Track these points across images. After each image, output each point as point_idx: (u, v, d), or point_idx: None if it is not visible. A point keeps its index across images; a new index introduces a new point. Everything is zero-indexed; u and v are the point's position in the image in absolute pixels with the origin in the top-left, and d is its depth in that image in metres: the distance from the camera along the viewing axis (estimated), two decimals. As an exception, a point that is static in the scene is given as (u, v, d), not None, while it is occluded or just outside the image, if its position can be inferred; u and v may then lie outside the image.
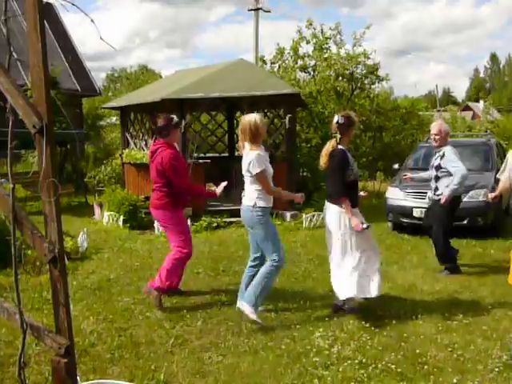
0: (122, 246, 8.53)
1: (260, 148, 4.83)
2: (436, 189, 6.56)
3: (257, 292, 4.84)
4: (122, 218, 10.11)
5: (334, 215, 5.02)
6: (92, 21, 2.00)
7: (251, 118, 4.81)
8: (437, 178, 6.54)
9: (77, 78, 19.23)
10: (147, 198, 10.52)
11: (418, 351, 4.22)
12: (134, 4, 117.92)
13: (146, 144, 11.57)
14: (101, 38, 2.03)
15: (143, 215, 10.29)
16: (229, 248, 8.20)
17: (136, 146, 11.79)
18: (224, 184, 5.81)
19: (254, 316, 4.82)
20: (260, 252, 5.10)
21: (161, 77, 34.72)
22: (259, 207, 4.83)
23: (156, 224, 9.65)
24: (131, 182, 11.72)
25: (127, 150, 11.79)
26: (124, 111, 12.40)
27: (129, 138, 12.08)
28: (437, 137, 6.53)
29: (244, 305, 4.90)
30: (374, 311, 5.19)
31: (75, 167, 15.46)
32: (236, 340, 4.52)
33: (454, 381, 3.74)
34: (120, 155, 12.52)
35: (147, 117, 12.11)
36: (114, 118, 23.37)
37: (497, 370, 3.89)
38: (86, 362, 4.10)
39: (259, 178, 4.76)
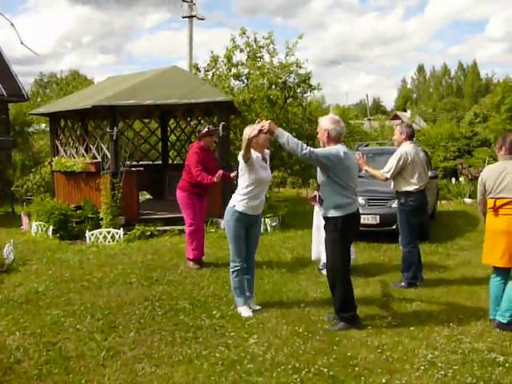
0: (52, 256, 8.25)
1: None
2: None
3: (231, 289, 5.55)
4: (51, 228, 9.79)
5: None
6: (12, 25, 1.94)
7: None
8: None
9: (2, 82, 18.46)
10: (78, 207, 10.29)
11: (349, 354, 4.33)
12: (66, 7, 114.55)
13: (76, 152, 11.27)
14: (21, 43, 1.98)
15: (74, 225, 10.01)
16: (163, 257, 8.11)
17: (66, 154, 11.45)
18: (221, 172, 6.85)
19: (241, 310, 5.37)
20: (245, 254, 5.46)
21: (93, 83, 33.95)
22: (236, 211, 5.23)
23: (88, 234, 9.42)
24: (61, 191, 11.37)
25: (57, 158, 11.43)
26: (53, 118, 12.02)
27: (59, 145, 11.71)
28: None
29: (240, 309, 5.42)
30: (307, 316, 5.28)
31: (1, 175, 14.83)
32: (170, 350, 4.47)
33: (383, 381, 3.86)
34: (49, 163, 12.11)
35: (78, 124, 11.81)
36: (44, 125, 22.60)
37: (422, 368, 4.05)
38: (10, 381, 3.94)
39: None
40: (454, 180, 16.73)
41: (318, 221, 6.74)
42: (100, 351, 4.44)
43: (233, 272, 5.43)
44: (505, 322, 4.86)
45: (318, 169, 4.94)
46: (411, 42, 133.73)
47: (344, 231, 4.86)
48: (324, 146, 4.96)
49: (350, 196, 4.88)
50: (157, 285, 6.55)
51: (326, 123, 4.93)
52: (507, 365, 4.10)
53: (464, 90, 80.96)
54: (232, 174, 6.89)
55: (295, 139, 4.67)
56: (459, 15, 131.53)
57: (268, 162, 5.47)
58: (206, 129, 7.45)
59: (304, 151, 4.60)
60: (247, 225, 5.34)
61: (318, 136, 5.11)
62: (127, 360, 4.28)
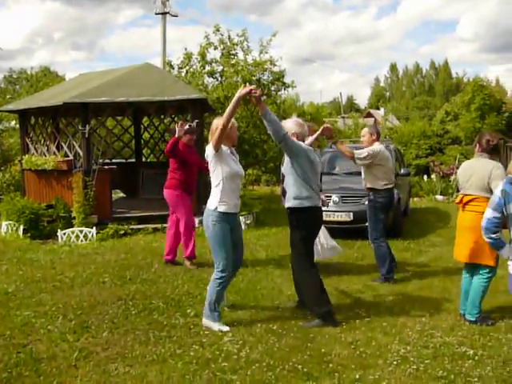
0: (23, 256, 8.10)
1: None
2: None
3: (209, 305, 4.97)
4: (22, 227, 9.61)
5: None
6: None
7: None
8: None
9: (-30, 78, 18.07)
10: (49, 206, 10.13)
11: (323, 350, 4.35)
12: (36, 2, 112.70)
13: (47, 150, 11.09)
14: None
15: (45, 224, 9.86)
16: (136, 256, 8.04)
17: (37, 152, 11.25)
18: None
19: (215, 327, 4.87)
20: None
21: (64, 80, 33.46)
22: (218, 212, 4.86)
23: (59, 233, 9.28)
24: (32, 190, 11.18)
25: (27, 156, 11.23)
26: (23, 115, 11.79)
27: (29, 143, 11.51)
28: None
29: (203, 320, 5.00)
30: (281, 314, 5.29)
31: (-31, 174, 14.51)
32: (143, 349, 4.44)
33: (357, 376, 3.89)
34: (19, 161, 11.89)
35: (49, 121, 11.62)
36: (13, 122, 22.18)
37: (395, 363, 4.10)
38: (-20, 383, 3.86)
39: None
40: (425, 177, 16.96)
41: None
42: (72, 352, 4.38)
43: (220, 284, 4.91)
44: (473, 319, 4.96)
45: (286, 159, 5.10)
46: (384, 41, 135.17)
47: (306, 225, 5.02)
48: None
49: (312, 190, 5.00)
50: (130, 284, 6.49)
51: (292, 126, 5.10)
52: (476, 358, 4.18)
53: (436, 88, 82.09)
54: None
55: (279, 123, 4.86)
56: (430, 15, 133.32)
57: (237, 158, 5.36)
58: (188, 126, 7.41)
59: (283, 131, 4.81)
60: (231, 226, 4.95)
61: None
62: (100, 360, 4.23)
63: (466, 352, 4.29)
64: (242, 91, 4.66)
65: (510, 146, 18.49)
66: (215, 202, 4.86)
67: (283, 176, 5.52)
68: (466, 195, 4.97)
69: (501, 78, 64.33)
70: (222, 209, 4.83)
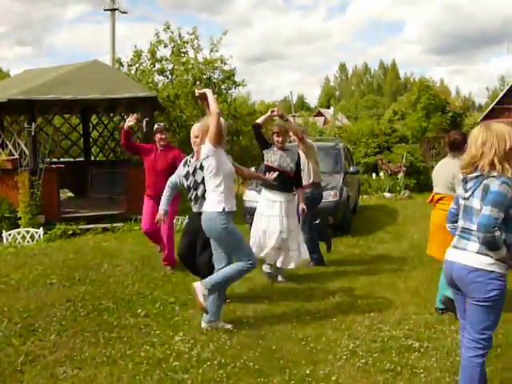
0: (-35, 259, 7.81)
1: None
2: None
3: (218, 280, 4.74)
4: (-37, 228, 9.26)
5: None
6: None
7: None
8: None
9: None
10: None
11: (274, 347, 4.40)
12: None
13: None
14: None
15: (-12, 224, 9.53)
16: (85, 256, 7.88)
17: (-21, 150, 10.86)
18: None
19: (202, 301, 4.68)
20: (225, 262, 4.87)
21: (9, 75, 32.41)
22: (225, 213, 4.69)
23: (4, 234, 9.00)
24: (-26, 189, 10.77)
25: (-31, 155, 10.82)
26: (-36, 112, 11.36)
27: (-30, 141, 11.09)
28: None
29: (198, 284, 4.75)
30: (233, 312, 5.31)
31: None
32: (93, 351, 4.36)
33: (308, 372, 3.95)
34: (-39, 160, 11.44)
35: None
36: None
37: (345, 357, 4.19)
38: None
39: None
40: (374, 175, 17.30)
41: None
42: (18, 356, 4.26)
43: (243, 272, 4.85)
44: (440, 307, 5.18)
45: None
46: (334, 41, 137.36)
47: None
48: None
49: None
50: (79, 285, 6.36)
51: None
52: (422, 350, 4.32)
53: (384, 88, 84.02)
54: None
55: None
56: (379, 17, 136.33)
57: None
58: (157, 125, 7.23)
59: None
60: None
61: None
62: (47, 364, 4.14)
63: (412, 345, 4.42)
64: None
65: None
66: (221, 203, 4.68)
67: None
68: (436, 194, 5.31)
69: (445, 79, 66.58)
70: (228, 208, 4.70)
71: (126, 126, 7.00)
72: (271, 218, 6.33)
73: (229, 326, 4.81)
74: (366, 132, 19.61)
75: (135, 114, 7.26)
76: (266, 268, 6.53)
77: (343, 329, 4.83)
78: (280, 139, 6.48)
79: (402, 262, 7.51)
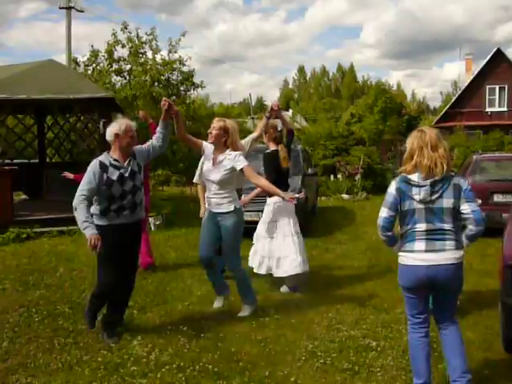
0: None
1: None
2: None
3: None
4: None
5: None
6: None
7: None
8: None
9: None
10: None
11: (233, 349, 4.39)
12: None
13: None
14: None
15: None
16: (40, 260, 7.69)
17: None
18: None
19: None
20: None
21: (-42, 74, 31.35)
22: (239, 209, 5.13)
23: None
24: None
25: None
26: None
27: None
28: None
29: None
30: (191, 315, 5.27)
31: None
32: (47, 358, 4.25)
33: (267, 373, 3.96)
34: None
35: None
36: None
37: (303, 358, 4.22)
38: None
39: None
40: (332, 177, 17.53)
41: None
42: (-32, 364, 4.12)
43: (244, 272, 5.42)
44: None
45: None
46: (293, 44, 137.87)
47: None
48: None
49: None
50: (33, 290, 6.19)
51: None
52: (379, 349, 4.39)
53: (342, 91, 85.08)
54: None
55: None
56: (337, 21, 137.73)
57: None
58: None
59: None
60: None
61: None
62: (-1, 372, 4.01)
63: (370, 344, 4.49)
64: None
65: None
66: (236, 201, 5.13)
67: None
68: None
69: (401, 83, 67.97)
70: (238, 205, 5.16)
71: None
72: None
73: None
74: (324, 134, 19.85)
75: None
76: (283, 289, 6.17)
77: (302, 330, 4.86)
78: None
79: (359, 262, 7.62)
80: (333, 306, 5.52)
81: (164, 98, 4.85)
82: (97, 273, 4.81)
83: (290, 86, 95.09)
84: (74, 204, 4.43)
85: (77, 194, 4.46)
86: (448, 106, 31.88)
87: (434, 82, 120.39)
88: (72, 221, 9.90)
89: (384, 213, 3.48)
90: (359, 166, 16.97)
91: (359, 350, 4.39)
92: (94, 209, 4.57)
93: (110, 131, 4.62)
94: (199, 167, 6.18)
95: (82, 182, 4.54)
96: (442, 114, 31.83)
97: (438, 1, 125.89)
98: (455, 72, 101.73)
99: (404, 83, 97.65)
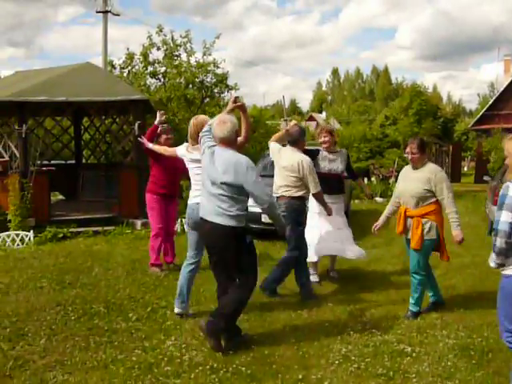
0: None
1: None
2: None
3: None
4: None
5: None
6: None
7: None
8: None
9: None
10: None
11: (266, 352, 4.37)
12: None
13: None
14: None
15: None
16: (76, 259, 7.82)
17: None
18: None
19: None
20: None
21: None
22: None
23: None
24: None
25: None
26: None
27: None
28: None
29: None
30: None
31: None
32: (83, 356, 4.32)
33: (300, 377, 3.94)
34: (-50, 162, 11.33)
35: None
36: None
37: (337, 362, 4.18)
38: None
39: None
40: (366, 180, 17.35)
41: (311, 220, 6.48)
42: (7, 361, 4.20)
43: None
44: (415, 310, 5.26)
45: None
46: (326, 46, 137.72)
47: None
48: None
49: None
50: (70, 289, 6.30)
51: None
52: (414, 354, 4.32)
53: (376, 93, 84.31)
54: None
55: None
56: (371, 22, 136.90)
57: None
58: (161, 127, 6.95)
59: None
60: None
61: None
62: (37, 369, 4.09)
63: (405, 349, 4.42)
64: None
65: (445, 150, 19.20)
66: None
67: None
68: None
69: (437, 85, 66.95)
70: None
71: (157, 122, 6.76)
72: (323, 215, 6.42)
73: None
74: (358, 137, 19.70)
75: (162, 111, 7.05)
76: (313, 278, 6.54)
77: (336, 333, 4.81)
78: (327, 139, 6.65)
79: (393, 266, 7.53)
80: (367, 310, 5.46)
81: (234, 95, 4.93)
82: (244, 277, 4.62)
83: (324, 88, 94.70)
84: (267, 201, 4.39)
85: (264, 191, 4.40)
86: (485, 109, 31.19)
87: (470, 84, 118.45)
88: (107, 221, 10.17)
89: (509, 217, 3.24)
90: (393, 168, 16.77)
91: (394, 355, 4.32)
92: (241, 208, 4.43)
93: (232, 127, 4.46)
94: None
95: (260, 180, 4.53)
96: (478, 116, 31.17)
97: (475, 0, 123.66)
98: (493, 73, 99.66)
99: (440, 85, 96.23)
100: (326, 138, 6.67)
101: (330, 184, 6.41)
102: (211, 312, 4.69)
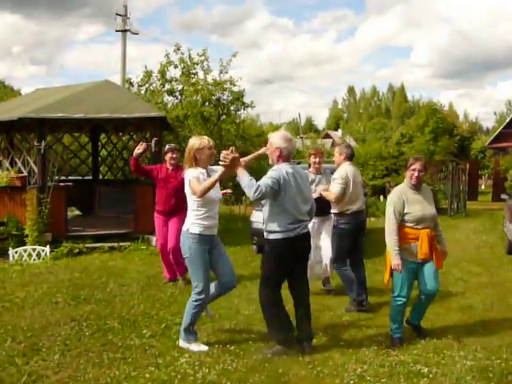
0: (-29, 276, 7.80)
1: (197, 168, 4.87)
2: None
3: (184, 326, 4.92)
4: (-30, 245, 9.27)
5: None
6: None
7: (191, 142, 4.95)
8: None
9: None
10: (1, 224, 9.80)
11: (280, 371, 4.33)
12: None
13: (0, 165, 10.79)
14: None
15: (-5, 242, 9.54)
16: (91, 275, 7.85)
17: (-11, 168, 10.93)
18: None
19: (193, 348, 4.82)
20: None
21: (20, 94, 32.76)
22: (191, 233, 4.80)
23: (11, 251, 9.00)
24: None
25: (-22, 172, 10.88)
26: (-25, 130, 11.45)
27: (-19, 158, 11.17)
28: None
29: (180, 342, 4.93)
30: (239, 334, 5.25)
31: None
32: (97, 372, 4.31)
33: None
34: (-30, 177, 11.48)
35: (3, 136, 11.32)
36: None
37: (352, 382, 4.11)
38: None
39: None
40: (382, 198, 17.27)
41: (318, 240, 6.74)
42: (20, 376, 4.21)
43: (196, 306, 4.86)
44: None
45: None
46: (342, 64, 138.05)
47: (281, 254, 4.71)
48: (272, 164, 4.79)
49: (293, 219, 4.69)
50: (84, 304, 6.32)
51: (277, 141, 4.73)
52: (431, 375, 4.23)
53: (392, 111, 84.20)
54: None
55: (250, 182, 4.47)
56: (387, 41, 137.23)
57: None
58: (168, 146, 7.50)
59: (256, 193, 4.41)
60: (208, 247, 4.87)
61: (268, 152, 4.87)
62: (51, 384, 4.09)
63: (421, 370, 4.34)
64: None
65: (461, 168, 19.05)
66: (190, 223, 4.83)
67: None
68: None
69: (453, 103, 66.71)
70: (196, 230, 4.78)
71: (135, 154, 7.04)
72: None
73: (205, 348, 4.82)
74: (374, 154, 19.64)
75: (144, 144, 7.23)
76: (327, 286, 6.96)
77: (350, 353, 4.75)
78: (321, 160, 6.72)
79: (410, 285, 7.41)
80: (382, 330, 5.38)
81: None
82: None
83: (340, 106, 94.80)
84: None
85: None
86: (502, 127, 30.92)
87: (487, 102, 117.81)
88: (122, 237, 10.22)
89: None
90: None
91: (410, 375, 4.24)
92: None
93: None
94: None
95: None
96: (495, 134, 30.91)
97: (492, 19, 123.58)
98: (510, 91, 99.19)
99: (456, 103, 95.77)
100: (321, 159, 6.76)
101: (323, 206, 6.30)
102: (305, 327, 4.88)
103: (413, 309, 5.28)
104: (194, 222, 4.80)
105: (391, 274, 5.00)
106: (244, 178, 4.48)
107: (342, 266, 6.44)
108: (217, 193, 4.94)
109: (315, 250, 6.50)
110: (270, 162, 4.85)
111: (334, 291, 7.01)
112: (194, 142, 4.92)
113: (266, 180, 4.53)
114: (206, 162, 4.91)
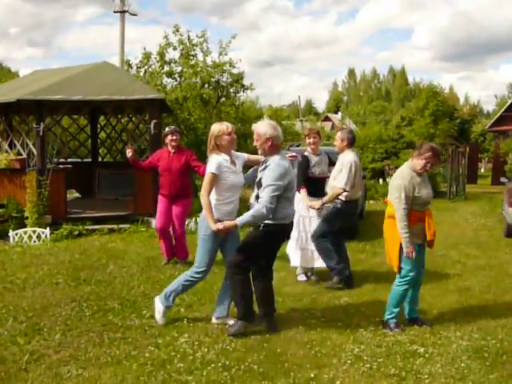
0: (-29, 257, 7.85)
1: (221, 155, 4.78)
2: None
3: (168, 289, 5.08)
4: (-30, 227, 9.31)
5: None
6: None
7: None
8: None
9: None
10: (1, 206, 9.83)
11: (278, 350, 4.38)
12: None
13: (-1, 147, 10.79)
14: None
15: (-5, 224, 9.57)
16: (91, 257, 7.90)
17: (-12, 149, 10.93)
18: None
19: (157, 311, 5.03)
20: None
21: (18, 76, 32.56)
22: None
23: (11, 233, 9.04)
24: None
25: (-23, 154, 10.87)
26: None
27: (-20, 140, 11.16)
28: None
29: (156, 298, 5.11)
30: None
31: None
32: (97, 351, 4.37)
33: (312, 375, 3.94)
34: (-31, 159, 11.49)
35: (1, 118, 11.30)
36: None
37: (349, 362, 4.17)
38: None
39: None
40: (381, 180, 17.28)
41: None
42: (23, 355, 4.26)
43: (189, 281, 5.05)
44: (384, 319, 5.07)
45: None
46: (343, 46, 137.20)
47: (272, 238, 4.77)
48: (265, 155, 4.69)
49: (289, 206, 4.77)
50: (84, 285, 6.37)
51: (267, 130, 4.60)
52: (427, 355, 4.30)
53: (392, 94, 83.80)
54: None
55: (256, 211, 4.51)
56: (387, 23, 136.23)
57: (239, 165, 4.93)
58: (168, 128, 7.47)
59: (266, 212, 4.47)
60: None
61: (257, 144, 4.69)
62: (52, 363, 4.14)
63: (417, 350, 4.40)
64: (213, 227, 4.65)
65: (461, 152, 19.03)
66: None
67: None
68: None
69: (454, 86, 66.37)
70: (215, 216, 4.73)
71: (129, 159, 7.37)
72: (312, 219, 6.54)
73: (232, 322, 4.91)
74: (374, 137, 19.63)
75: (130, 147, 7.52)
76: (301, 278, 6.72)
77: (348, 333, 4.81)
78: (316, 140, 6.59)
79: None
80: (379, 311, 5.42)
81: None
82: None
83: (340, 89, 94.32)
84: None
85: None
86: (503, 110, 30.84)
87: (488, 85, 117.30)
88: (122, 219, 10.25)
89: None
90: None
91: (406, 355, 4.30)
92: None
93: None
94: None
95: None
96: (496, 117, 30.85)
97: (494, 1, 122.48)
98: (511, 74, 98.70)
99: (457, 86, 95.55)
100: (316, 139, 6.58)
101: (320, 186, 6.54)
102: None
103: (406, 304, 5.25)
104: (215, 206, 4.75)
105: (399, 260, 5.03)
106: (247, 218, 4.58)
107: (322, 240, 6.43)
108: (240, 178, 4.90)
109: (303, 233, 6.61)
110: (260, 153, 4.77)
111: (318, 280, 6.67)
112: (214, 128, 4.82)
113: (269, 191, 4.50)
114: (227, 147, 4.80)
